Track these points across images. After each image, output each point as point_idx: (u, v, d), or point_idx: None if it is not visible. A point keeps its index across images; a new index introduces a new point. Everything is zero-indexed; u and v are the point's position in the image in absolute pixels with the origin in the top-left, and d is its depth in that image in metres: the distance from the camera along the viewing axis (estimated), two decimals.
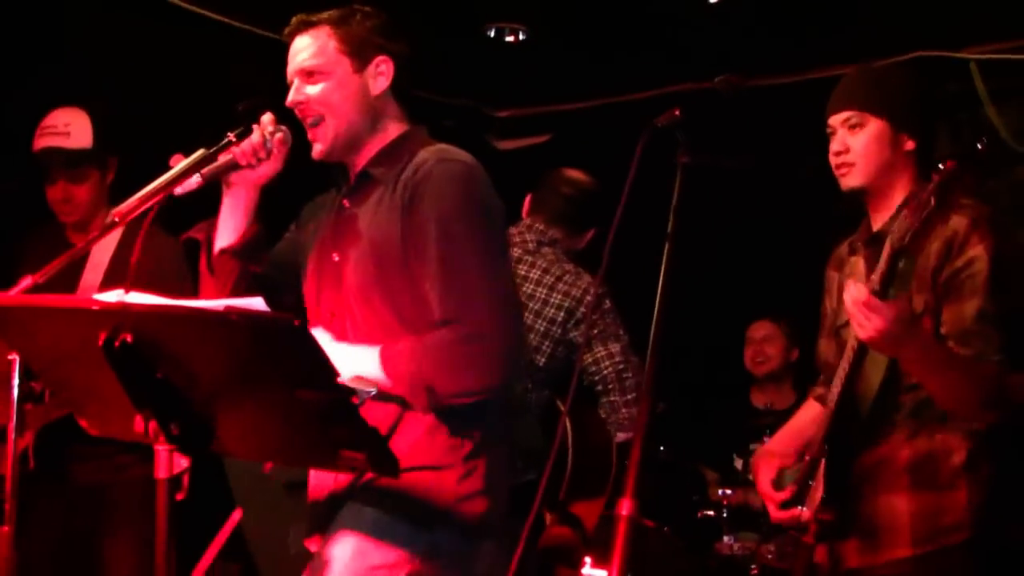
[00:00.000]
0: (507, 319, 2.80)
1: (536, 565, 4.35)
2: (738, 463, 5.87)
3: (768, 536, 5.13)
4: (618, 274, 2.97)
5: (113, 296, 2.36)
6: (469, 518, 2.81)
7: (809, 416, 3.39)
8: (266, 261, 3.11)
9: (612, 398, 4.30)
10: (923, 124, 3.12)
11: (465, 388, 2.77)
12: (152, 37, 5.13)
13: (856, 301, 2.82)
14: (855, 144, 3.12)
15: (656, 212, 2.77)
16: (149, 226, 2.99)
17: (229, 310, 2.22)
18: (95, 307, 2.33)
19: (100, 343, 2.25)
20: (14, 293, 2.69)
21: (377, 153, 2.97)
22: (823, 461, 3.07)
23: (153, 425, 2.36)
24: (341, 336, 2.88)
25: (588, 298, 4.30)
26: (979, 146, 2.90)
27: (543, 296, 4.30)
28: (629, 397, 4.28)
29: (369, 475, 2.80)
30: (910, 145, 3.10)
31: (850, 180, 3.13)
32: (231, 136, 2.94)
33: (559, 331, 4.30)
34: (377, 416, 2.78)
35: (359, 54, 2.95)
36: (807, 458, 3.14)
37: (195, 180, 2.85)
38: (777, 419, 5.35)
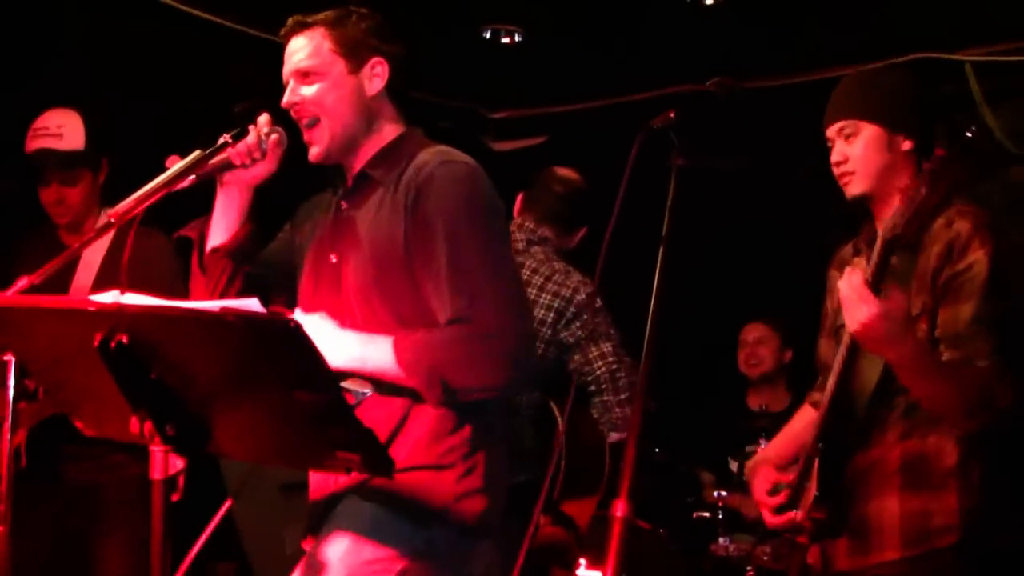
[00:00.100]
0: (517, 318, 2.81)
1: (530, 565, 4.35)
2: (733, 465, 5.88)
3: (764, 538, 5.14)
4: (613, 275, 2.97)
5: (109, 297, 2.36)
6: (467, 516, 2.81)
7: (805, 422, 3.39)
8: (258, 261, 3.11)
9: (605, 398, 4.29)
10: (918, 123, 3.12)
11: (479, 384, 2.78)
12: (148, 38, 5.13)
13: (852, 287, 2.83)
14: (852, 152, 3.13)
15: (651, 214, 2.78)
16: (140, 226, 2.99)
17: (225, 311, 2.22)
18: (91, 308, 2.33)
19: (96, 344, 2.25)
20: (10, 294, 2.68)
21: (375, 155, 2.98)
22: (816, 460, 3.07)
23: (149, 426, 2.36)
24: None
25: (578, 298, 4.29)
26: (968, 134, 2.91)
27: (532, 296, 4.29)
28: (622, 397, 4.28)
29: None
30: (907, 145, 3.10)
31: (852, 188, 3.14)
32: (227, 137, 2.94)
33: (548, 331, 4.29)
34: (382, 413, 2.80)
35: (354, 55, 2.95)
36: (802, 459, 3.15)
37: (188, 177, 2.86)
38: (772, 421, 5.37)
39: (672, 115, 2.68)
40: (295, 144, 3.02)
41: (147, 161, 2.91)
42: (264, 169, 3.02)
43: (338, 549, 2.78)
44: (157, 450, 2.39)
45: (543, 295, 4.31)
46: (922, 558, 3.00)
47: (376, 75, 2.97)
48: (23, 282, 2.66)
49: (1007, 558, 3.05)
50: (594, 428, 4.28)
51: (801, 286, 3.59)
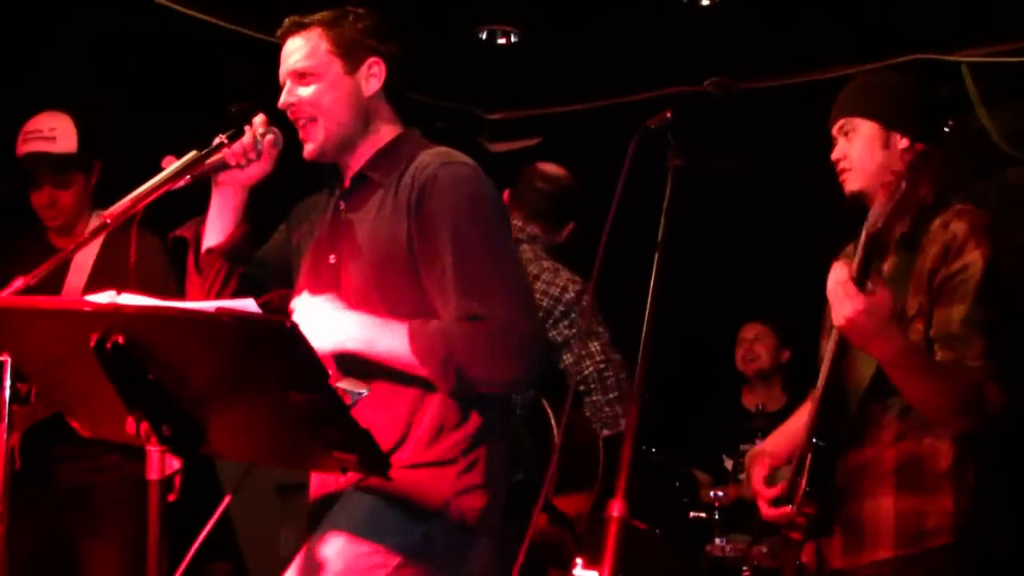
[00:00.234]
0: (528, 317, 2.83)
1: (526, 563, 4.35)
2: (728, 463, 5.88)
3: (760, 537, 5.14)
4: (610, 275, 2.97)
5: (105, 297, 2.36)
6: (467, 513, 2.81)
7: (805, 418, 3.39)
8: (254, 261, 3.11)
9: (595, 398, 4.28)
10: (916, 121, 3.12)
11: (492, 378, 2.79)
12: (143, 39, 5.12)
13: (837, 282, 2.84)
14: (850, 149, 3.16)
15: (648, 214, 2.78)
16: (129, 228, 3.00)
17: (221, 311, 2.22)
18: (87, 308, 2.33)
19: (92, 344, 2.25)
20: (6, 294, 2.68)
21: (373, 155, 2.98)
22: (809, 456, 3.07)
23: (144, 426, 2.35)
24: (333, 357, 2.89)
25: (567, 296, 4.27)
26: (946, 128, 2.93)
27: None
28: (611, 396, 4.27)
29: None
30: (904, 143, 3.11)
31: (849, 184, 3.17)
32: (223, 138, 2.94)
33: None
34: (387, 414, 2.81)
35: (351, 56, 2.95)
36: (796, 455, 3.15)
37: (183, 177, 2.86)
38: (768, 421, 5.37)
39: (669, 115, 2.69)
40: (291, 145, 3.02)
41: (141, 163, 2.91)
42: (259, 170, 3.02)
43: (335, 542, 2.79)
44: (153, 450, 2.39)
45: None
46: (915, 558, 3.00)
47: (373, 75, 2.97)
48: (19, 283, 2.65)
49: (1001, 560, 3.05)
50: (587, 427, 4.27)
51: (799, 286, 3.58)
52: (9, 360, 3.03)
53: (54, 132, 4.27)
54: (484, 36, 6.04)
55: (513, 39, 6.05)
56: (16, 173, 4.30)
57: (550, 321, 4.26)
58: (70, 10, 4.95)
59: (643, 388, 2.55)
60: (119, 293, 2.36)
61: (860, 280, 2.83)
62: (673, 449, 5.79)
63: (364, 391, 2.58)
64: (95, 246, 4.25)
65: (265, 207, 3.15)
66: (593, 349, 4.28)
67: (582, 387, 4.29)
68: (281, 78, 2.99)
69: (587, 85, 6.32)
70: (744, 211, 6.03)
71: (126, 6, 5.08)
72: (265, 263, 3.14)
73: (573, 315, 4.26)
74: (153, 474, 2.40)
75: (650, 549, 5.27)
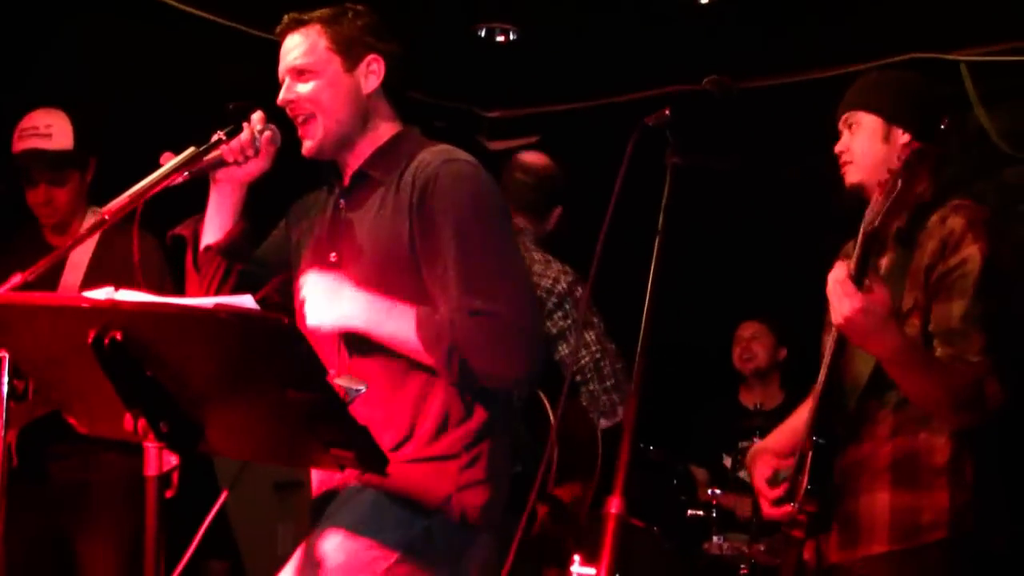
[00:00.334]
0: (533, 314, 2.85)
1: (534, 558, 4.35)
2: (727, 461, 5.88)
3: (758, 536, 5.14)
4: (608, 273, 2.97)
5: (102, 294, 2.36)
6: (468, 508, 2.81)
7: (806, 415, 3.39)
8: (252, 259, 3.11)
9: (591, 387, 4.27)
10: (918, 116, 3.13)
11: (497, 372, 2.79)
12: (141, 36, 5.12)
13: (836, 280, 2.84)
14: (852, 142, 3.18)
15: (646, 212, 2.78)
16: (125, 225, 3.00)
17: (218, 308, 2.22)
18: (85, 305, 2.32)
19: (89, 341, 2.25)
20: (3, 291, 2.68)
21: (373, 153, 2.98)
22: (809, 454, 3.08)
23: (142, 423, 2.35)
24: (337, 340, 2.89)
25: (559, 287, 4.25)
26: (941, 126, 2.93)
27: None
28: (608, 384, 4.26)
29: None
30: (905, 138, 3.11)
31: (849, 177, 3.19)
32: (221, 134, 2.94)
33: None
34: (390, 410, 2.81)
35: (350, 53, 2.95)
36: (797, 452, 3.15)
37: (181, 174, 2.86)
38: (766, 419, 5.37)
39: (667, 112, 2.69)
40: (289, 142, 3.02)
41: (138, 160, 2.91)
42: (257, 167, 3.02)
43: (336, 536, 2.79)
44: (151, 447, 2.39)
45: None
46: (910, 553, 3.00)
47: (372, 72, 2.97)
48: (17, 278, 2.65)
49: (997, 557, 3.05)
50: (584, 417, 4.26)
51: (797, 283, 3.59)
52: (6, 357, 3.02)
53: (50, 129, 4.26)
54: (482, 34, 6.04)
55: (512, 37, 6.05)
56: (11, 171, 4.30)
57: (544, 313, 4.24)
58: (67, 6, 4.95)
59: (643, 389, 2.55)
60: (117, 289, 2.36)
61: (858, 278, 2.84)
62: (671, 447, 5.80)
63: (362, 388, 2.57)
64: (91, 243, 4.24)
65: (264, 204, 3.15)
66: (589, 339, 4.27)
67: (579, 377, 4.27)
68: (280, 75, 2.99)
69: (585, 83, 6.32)
70: (742, 209, 6.03)
71: (124, 3, 5.08)
72: (264, 261, 3.14)
73: (567, 306, 4.25)
74: (151, 470, 2.40)
75: (647, 547, 5.27)
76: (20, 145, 4.27)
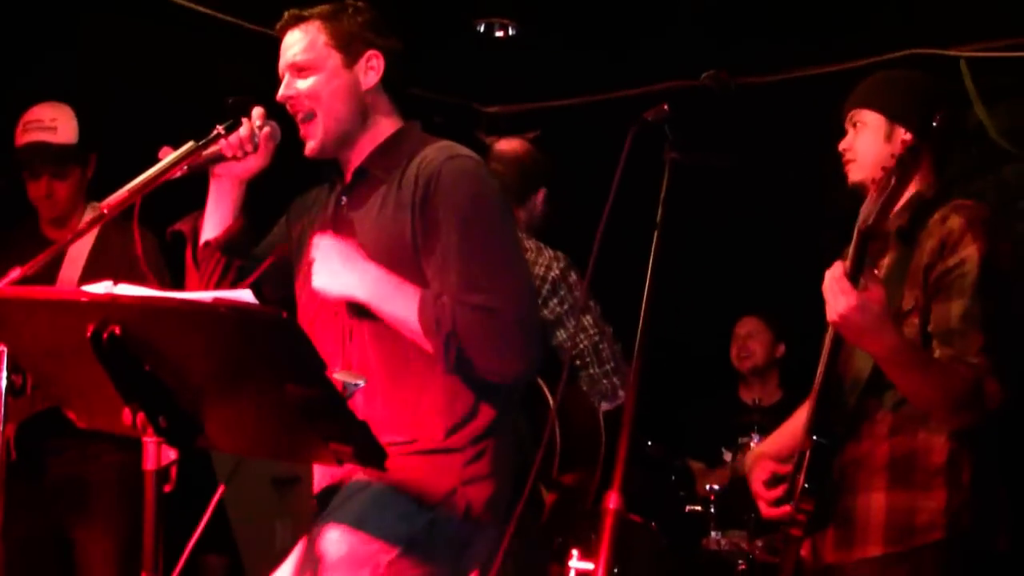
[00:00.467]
0: (533, 311, 2.87)
1: (545, 546, 4.35)
2: (727, 456, 5.87)
3: (757, 532, 5.14)
4: (606, 269, 2.97)
5: (101, 288, 2.36)
6: (473, 502, 2.82)
7: (805, 417, 3.39)
8: (252, 255, 3.11)
9: (591, 371, 4.25)
10: (920, 116, 3.12)
11: (494, 368, 2.80)
12: (141, 32, 5.12)
13: (833, 278, 2.84)
14: (856, 140, 3.19)
15: (644, 207, 2.78)
16: (124, 220, 3.00)
17: (217, 302, 2.22)
18: (83, 299, 2.32)
19: (88, 335, 2.25)
20: (1, 285, 2.68)
21: (374, 150, 2.98)
22: (807, 453, 3.07)
23: (141, 418, 2.35)
24: (342, 335, 2.91)
25: (552, 274, 4.22)
26: (934, 123, 2.93)
27: None
28: (608, 367, 4.25)
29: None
30: (906, 137, 3.11)
31: (852, 175, 3.19)
32: (220, 129, 2.94)
33: None
34: (390, 404, 2.82)
35: (349, 49, 2.96)
36: (796, 452, 3.15)
37: (180, 168, 2.86)
38: (764, 416, 5.39)
39: (666, 107, 2.69)
40: (290, 139, 3.02)
41: (137, 156, 2.91)
42: (256, 163, 3.02)
43: (339, 527, 2.79)
44: (149, 441, 2.39)
45: None
46: (905, 555, 2.99)
47: (371, 68, 2.97)
48: (16, 272, 2.65)
49: (993, 558, 3.04)
50: (585, 402, 4.25)
51: (795, 280, 3.59)
52: (5, 351, 3.02)
53: (55, 123, 4.27)
54: (482, 29, 6.03)
55: (511, 32, 6.04)
56: (12, 165, 4.30)
57: (539, 300, 4.19)
58: (68, 3, 4.94)
59: (642, 386, 2.55)
60: (115, 284, 2.36)
61: (854, 276, 2.84)
62: (670, 443, 5.80)
63: (360, 382, 2.57)
64: (89, 238, 4.26)
65: (264, 201, 3.15)
66: (586, 323, 4.25)
67: (577, 361, 4.25)
68: (280, 72, 3.00)
69: (585, 79, 6.32)
70: (739, 205, 6.03)
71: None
72: (264, 256, 3.14)
73: (561, 291, 4.23)
74: (149, 465, 2.40)
75: (646, 543, 5.27)
76: (24, 138, 4.28)
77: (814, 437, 3.06)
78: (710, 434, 6.06)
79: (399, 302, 2.79)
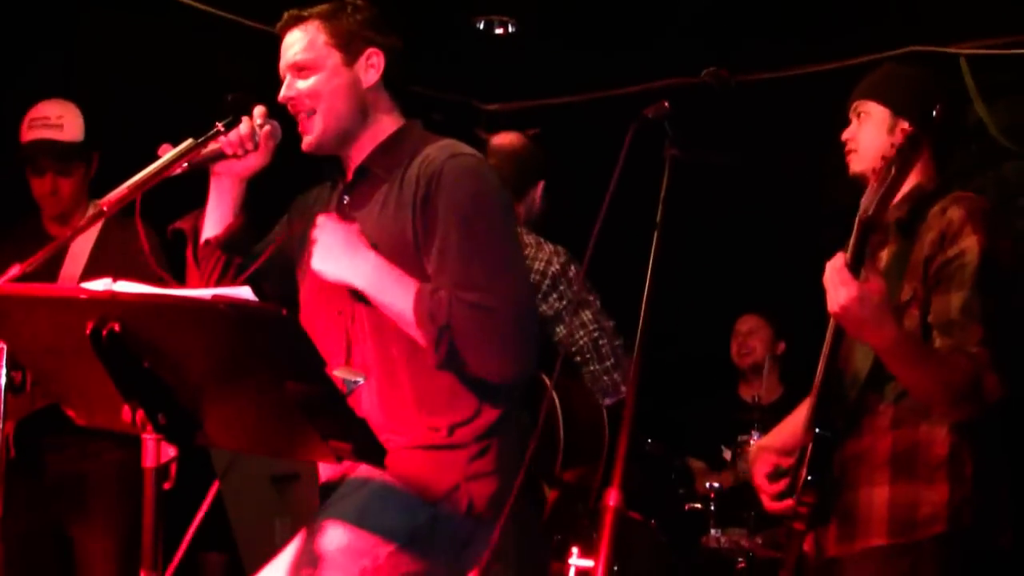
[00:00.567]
0: (531, 312, 2.87)
1: (547, 543, 4.34)
2: (727, 454, 5.87)
3: (757, 528, 5.14)
4: (605, 266, 2.97)
5: (101, 285, 2.35)
6: (476, 498, 2.82)
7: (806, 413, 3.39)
8: (253, 253, 3.11)
9: (592, 368, 4.23)
10: (923, 110, 3.12)
11: (488, 367, 2.80)
12: (139, 28, 5.12)
13: (833, 269, 2.84)
14: (859, 132, 3.19)
15: (644, 205, 2.78)
16: (125, 217, 3.00)
17: (217, 299, 2.21)
18: (83, 296, 2.32)
19: (87, 332, 2.25)
20: (2, 281, 2.68)
21: (375, 148, 2.98)
22: (809, 446, 3.07)
23: (140, 415, 2.35)
24: (344, 334, 2.91)
25: (552, 269, 4.20)
26: (934, 113, 2.93)
27: None
28: (608, 364, 4.23)
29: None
30: (909, 130, 3.10)
31: (853, 166, 3.19)
32: (219, 126, 2.94)
33: None
34: (400, 395, 2.82)
35: (349, 47, 2.96)
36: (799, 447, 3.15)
37: (180, 165, 2.86)
38: (764, 413, 5.38)
39: (666, 104, 2.69)
40: (291, 138, 3.02)
41: (137, 152, 2.91)
42: (256, 161, 3.02)
43: (340, 519, 2.79)
44: (149, 439, 2.39)
45: None
46: (907, 547, 2.99)
47: (372, 66, 2.97)
48: (15, 270, 2.65)
49: (994, 552, 3.04)
50: (588, 398, 4.23)
51: (795, 277, 3.58)
52: (4, 348, 3.02)
53: (61, 120, 4.27)
54: (481, 26, 6.03)
55: (510, 29, 6.04)
56: (14, 161, 4.30)
57: (539, 295, 4.19)
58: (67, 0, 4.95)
59: (642, 383, 2.55)
60: (115, 281, 2.36)
61: (854, 267, 2.84)
62: (669, 441, 5.80)
63: (360, 379, 2.57)
64: (91, 235, 4.26)
65: (265, 199, 3.15)
66: (585, 318, 4.23)
67: (578, 358, 4.24)
68: (281, 72, 3.00)
69: (585, 76, 6.32)
70: (740, 202, 6.03)
71: None
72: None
73: (561, 287, 4.21)
74: (149, 462, 2.39)
75: (645, 540, 5.27)
76: (30, 134, 4.28)
77: (816, 430, 3.06)
78: (710, 432, 6.06)
79: (396, 291, 2.79)
